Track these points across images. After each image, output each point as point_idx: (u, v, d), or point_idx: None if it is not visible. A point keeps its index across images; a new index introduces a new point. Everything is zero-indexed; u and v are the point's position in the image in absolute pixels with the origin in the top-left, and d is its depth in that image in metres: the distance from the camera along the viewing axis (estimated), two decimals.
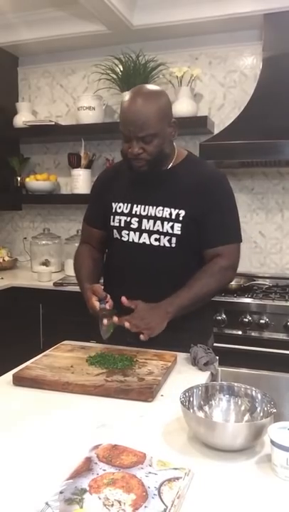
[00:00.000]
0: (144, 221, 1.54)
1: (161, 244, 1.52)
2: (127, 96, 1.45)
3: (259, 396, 1.03)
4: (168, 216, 1.51)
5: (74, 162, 3.14)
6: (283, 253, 2.91)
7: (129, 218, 1.56)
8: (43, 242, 3.24)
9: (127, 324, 1.36)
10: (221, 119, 2.94)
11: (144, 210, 1.54)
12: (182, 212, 1.50)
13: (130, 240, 1.56)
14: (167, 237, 1.52)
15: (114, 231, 1.59)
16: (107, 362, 1.34)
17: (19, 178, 3.30)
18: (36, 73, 3.39)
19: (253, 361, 2.31)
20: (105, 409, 1.13)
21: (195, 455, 0.93)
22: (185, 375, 1.32)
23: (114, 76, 2.96)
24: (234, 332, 2.38)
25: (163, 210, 1.52)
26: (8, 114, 3.22)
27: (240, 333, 2.38)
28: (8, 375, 1.30)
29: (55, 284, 2.77)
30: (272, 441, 0.85)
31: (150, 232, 1.53)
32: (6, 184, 3.27)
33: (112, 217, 1.59)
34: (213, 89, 2.98)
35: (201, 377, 1.30)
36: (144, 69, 2.89)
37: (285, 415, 2.06)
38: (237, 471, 0.87)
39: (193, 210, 1.50)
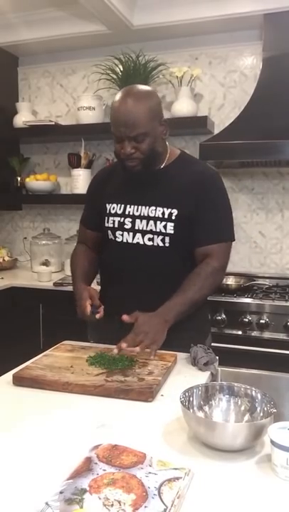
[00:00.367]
0: (138, 221, 1.54)
1: (155, 244, 1.53)
2: (116, 97, 1.45)
3: (259, 396, 1.03)
4: (160, 216, 1.51)
5: (74, 162, 3.14)
6: (283, 253, 2.91)
7: (122, 219, 1.56)
8: (43, 242, 3.24)
9: (137, 349, 1.28)
10: (221, 119, 2.94)
11: (137, 211, 1.55)
12: (175, 212, 1.50)
13: (124, 240, 1.56)
14: (160, 237, 1.52)
15: (109, 232, 1.59)
16: (107, 362, 1.33)
17: (19, 178, 3.30)
18: (36, 73, 3.39)
19: (253, 361, 2.31)
20: (105, 409, 1.13)
21: (195, 455, 0.93)
22: (185, 375, 1.32)
23: (114, 76, 2.96)
24: (234, 332, 2.38)
25: (156, 209, 1.52)
26: (8, 114, 3.22)
27: (240, 333, 2.38)
28: (8, 375, 1.30)
29: (55, 284, 2.77)
30: (272, 441, 0.85)
31: (143, 232, 1.53)
32: (6, 184, 3.27)
33: (106, 218, 1.60)
34: (213, 89, 2.98)
35: (201, 377, 1.30)
36: (144, 69, 2.89)
37: (285, 415, 2.06)
38: (237, 471, 0.87)
39: (186, 209, 1.50)
